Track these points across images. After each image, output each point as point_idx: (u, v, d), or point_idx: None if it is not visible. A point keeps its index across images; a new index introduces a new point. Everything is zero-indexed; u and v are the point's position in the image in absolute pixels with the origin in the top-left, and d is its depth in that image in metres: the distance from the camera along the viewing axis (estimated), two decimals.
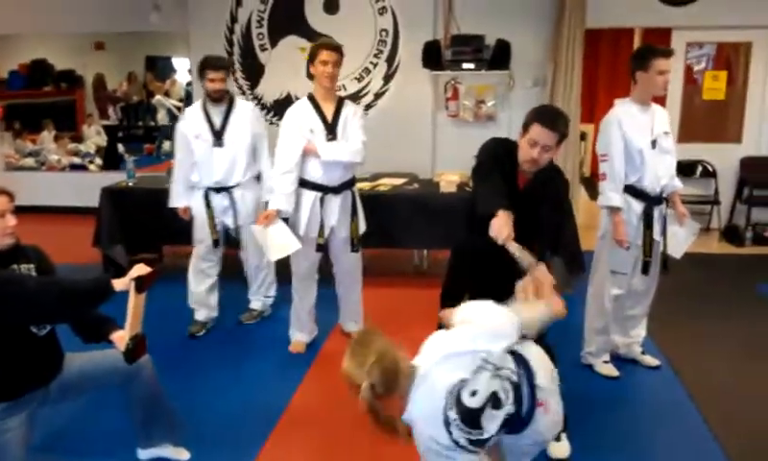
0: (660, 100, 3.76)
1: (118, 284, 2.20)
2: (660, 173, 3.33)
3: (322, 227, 3.63)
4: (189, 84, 7.99)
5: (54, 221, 6.94)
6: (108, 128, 8.88)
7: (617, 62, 8.39)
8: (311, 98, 3.61)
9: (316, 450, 2.91)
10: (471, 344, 1.91)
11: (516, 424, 1.90)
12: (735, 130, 6.47)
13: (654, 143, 3.29)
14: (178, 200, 4.07)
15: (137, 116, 9.05)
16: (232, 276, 4.35)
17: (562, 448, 2.80)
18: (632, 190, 3.33)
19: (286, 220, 3.60)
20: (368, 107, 6.39)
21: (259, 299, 4.36)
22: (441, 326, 2.27)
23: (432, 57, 6.10)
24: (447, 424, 1.81)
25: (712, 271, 5.44)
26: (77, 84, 8.82)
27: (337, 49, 3.53)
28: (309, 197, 3.61)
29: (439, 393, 1.83)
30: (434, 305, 2.95)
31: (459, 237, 3.04)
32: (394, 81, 6.41)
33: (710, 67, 6.46)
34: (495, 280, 2.60)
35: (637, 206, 3.33)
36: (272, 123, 6.42)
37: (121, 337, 2.34)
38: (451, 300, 2.88)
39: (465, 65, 6.05)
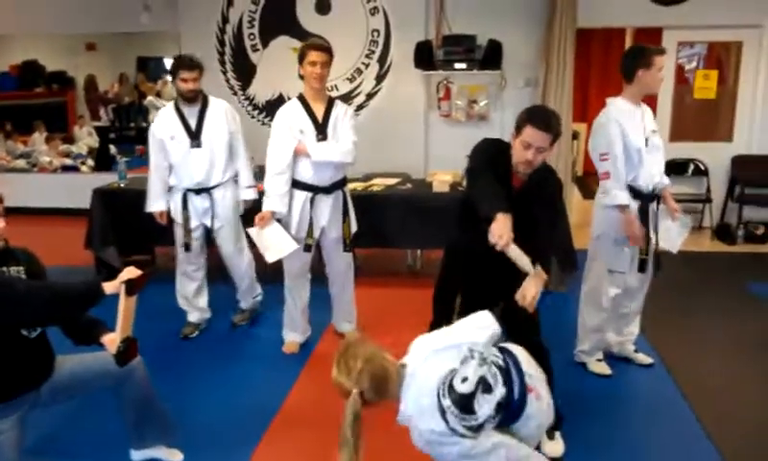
0: (652, 99, 3.77)
1: (108, 287, 2.20)
2: (654, 171, 3.35)
3: (311, 227, 3.63)
4: None
5: (45, 223, 6.92)
6: (100, 129, 8.83)
7: (609, 62, 8.48)
8: (301, 98, 3.59)
9: (310, 451, 2.90)
10: (456, 338, 2.05)
11: (511, 408, 1.93)
12: (727, 128, 6.50)
13: (646, 141, 3.31)
14: (155, 204, 3.96)
15: (129, 117, 8.98)
16: (225, 278, 4.33)
17: (556, 446, 2.80)
18: (628, 189, 3.33)
19: (280, 220, 3.59)
20: (360, 107, 6.38)
21: (247, 300, 4.34)
22: (432, 326, 2.30)
23: (424, 57, 6.10)
24: (443, 412, 1.87)
25: (704, 269, 5.47)
26: (68, 85, 8.79)
27: (326, 49, 3.51)
28: (300, 197, 3.60)
29: (431, 385, 1.90)
30: (427, 305, 2.96)
31: (451, 236, 3.04)
32: (386, 81, 6.40)
33: (701, 66, 6.49)
34: (488, 279, 2.62)
35: (634, 205, 3.34)
36: (264, 124, 6.42)
37: (112, 340, 2.33)
38: (444, 299, 2.91)
39: (457, 65, 6.04)
